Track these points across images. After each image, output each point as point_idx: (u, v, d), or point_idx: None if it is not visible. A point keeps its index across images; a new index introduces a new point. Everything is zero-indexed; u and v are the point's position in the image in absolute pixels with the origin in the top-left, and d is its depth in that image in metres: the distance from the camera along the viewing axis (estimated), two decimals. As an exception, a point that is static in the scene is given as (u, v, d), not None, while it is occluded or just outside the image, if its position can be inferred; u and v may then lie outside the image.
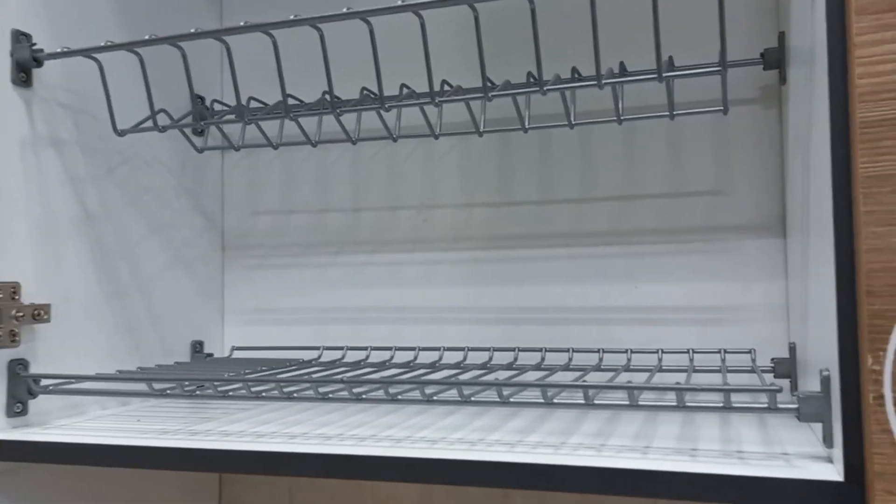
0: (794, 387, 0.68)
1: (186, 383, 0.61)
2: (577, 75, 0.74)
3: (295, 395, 0.58)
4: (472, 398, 0.56)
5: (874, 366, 0.41)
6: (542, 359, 0.78)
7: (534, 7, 0.58)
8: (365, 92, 0.76)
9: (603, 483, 0.48)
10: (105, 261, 0.75)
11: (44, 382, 0.65)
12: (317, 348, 0.84)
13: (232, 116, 0.77)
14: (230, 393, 0.60)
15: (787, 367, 0.69)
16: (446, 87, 0.77)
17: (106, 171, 0.76)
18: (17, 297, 0.64)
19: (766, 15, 0.76)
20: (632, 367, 0.73)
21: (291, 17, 0.61)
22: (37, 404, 0.66)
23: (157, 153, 0.83)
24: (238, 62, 0.73)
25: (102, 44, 0.66)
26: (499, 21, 0.83)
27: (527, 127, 0.73)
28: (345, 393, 0.58)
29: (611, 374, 0.67)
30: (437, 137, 0.76)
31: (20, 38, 0.66)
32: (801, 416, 0.47)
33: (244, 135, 0.81)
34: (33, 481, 0.67)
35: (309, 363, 0.78)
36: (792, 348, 0.69)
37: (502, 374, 0.73)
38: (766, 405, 0.49)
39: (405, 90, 0.74)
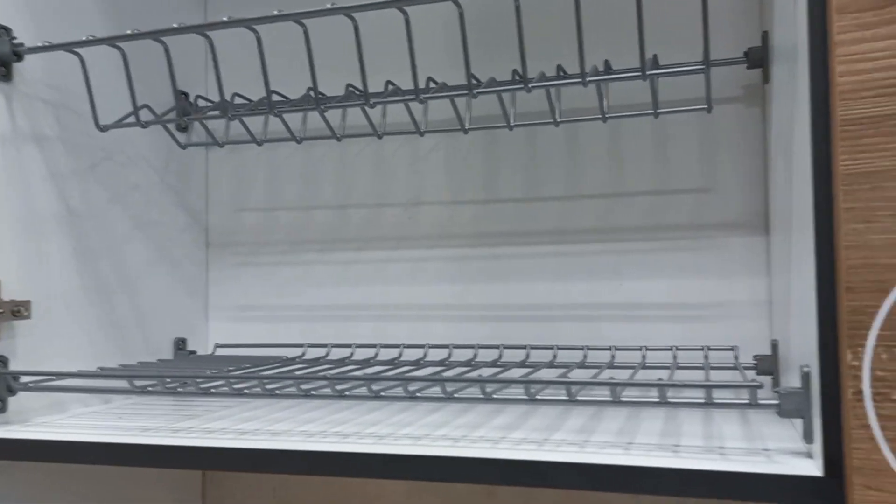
0: (776, 383, 0.68)
1: (168, 380, 0.61)
2: (562, 73, 0.74)
3: (277, 392, 0.58)
4: (456, 395, 0.56)
5: (853, 361, 0.42)
6: (527, 356, 0.78)
7: (518, 4, 0.58)
8: (350, 88, 0.76)
9: (586, 479, 0.48)
10: (87, 257, 0.74)
11: (24, 379, 0.64)
12: (301, 346, 0.84)
13: (215, 112, 0.76)
14: (212, 390, 0.59)
15: (769, 364, 0.69)
16: (432, 85, 0.77)
17: (88, 167, 0.75)
18: (-4, 294, 0.63)
19: (749, 14, 0.77)
20: (616, 364, 0.73)
21: (275, 12, 0.60)
22: (17, 401, 0.65)
23: (140, 150, 0.82)
24: (223, 58, 0.72)
25: (84, 38, 0.66)
26: (485, 19, 0.83)
27: (512, 124, 0.74)
28: (327, 390, 0.58)
29: (595, 371, 0.67)
30: (422, 134, 0.76)
31: (0, 31, 0.66)
32: (782, 412, 0.47)
33: (228, 131, 0.80)
34: (14, 479, 0.67)
35: (293, 361, 0.77)
36: (774, 345, 0.70)
37: (486, 372, 0.72)
38: (747, 401, 0.49)
39: (390, 87, 0.74)
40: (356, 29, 0.62)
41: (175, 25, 0.63)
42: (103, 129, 0.73)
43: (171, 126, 0.83)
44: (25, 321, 0.66)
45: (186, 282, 0.88)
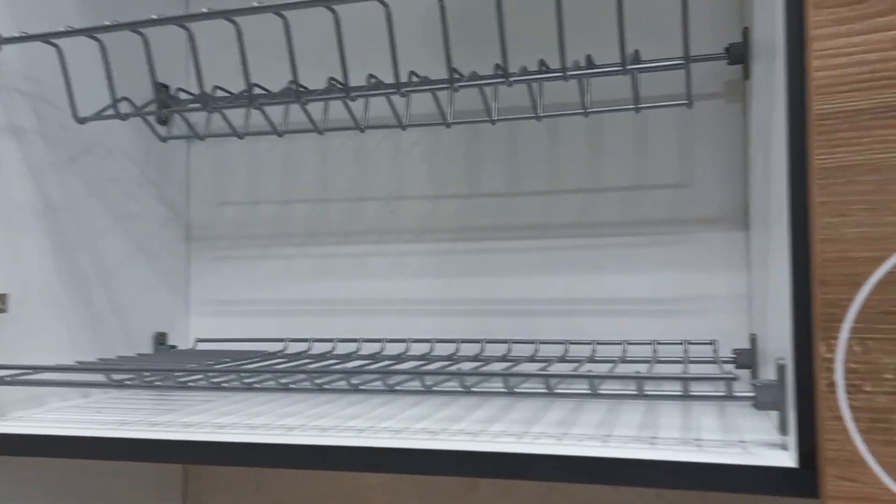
0: (754, 377, 0.68)
1: (146, 374, 0.60)
2: (544, 68, 0.74)
3: (256, 385, 0.58)
4: (435, 388, 0.56)
5: (827, 354, 0.42)
6: (509, 350, 0.78)
7: (499, -3, 0.58)
8: (332, 82, 0.75)
9: (563, 471, 0.48)
10: (66, 251, 0.74)
11: (0, 373, 0.64)
12: (282, 340, 0.84)
13: (195, 105, 0.76)
14: (190, 384, 0.59)
15: (748, 358, 0.70)
16: (414, 78, 0.77)
17: (67, 159, 0.75)
18: (-28, 287, 0.63)
19: (730, 10, 0.77)
20: (596, 359, 0.73)
21: (255, 3, 0.60)
22: (-7, 396, 0.65)
23: (120, 142, 0.81)
24: (204, 51, 0.72)
25: (62, 29, 0.65)
26: (468, 14, 0.83)
27: (494, 119, 0.74)
28: (307, 383, 0.57)
29: (575, 365, 0.67)
30: (404, 128, 0.75)
31: (-24, 21, 0.65)
32: (758, 405, 0.48)
33: (209, 124, 0.80)
34: (-11, 474, 0.66)
35: (273, 355, 0.77)
36: (753, 339, 0.70)
37: (468, 366, 0.73)
38: (723, 394, 0.49)
39: (372, 80, 0.73)
40: (337, 22, 0.62)
41: (154, 17, 0.63)
42: (81, 121, 0.72)
43: (151, 119, 0.82)
44: (2, 315, 0.65)
45: (167, 276, 0.88)
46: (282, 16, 0.62)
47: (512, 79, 0.63)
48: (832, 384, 0.42)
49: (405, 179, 0.85)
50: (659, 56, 0.73)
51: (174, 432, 0.57)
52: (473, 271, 0.83)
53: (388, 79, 0.74)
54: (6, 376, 0.64)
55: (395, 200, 0.85)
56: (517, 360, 0.74)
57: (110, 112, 0.71)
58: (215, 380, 0.59)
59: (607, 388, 0.57)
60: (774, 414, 0.53)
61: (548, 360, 0.72)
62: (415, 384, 0.57)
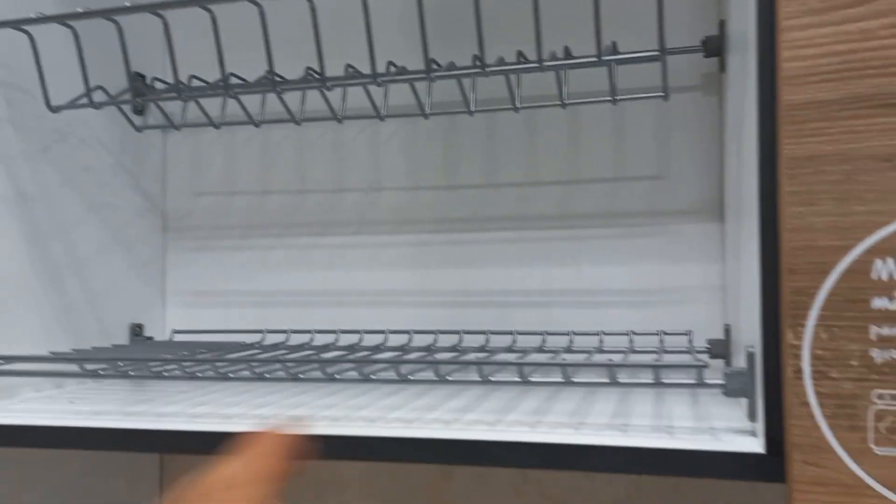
0: (728, 366, 0.69)
1: (120, 363, 0.60)
2: (522, 59, 0.74)
3: (230, 374, 0.58)
4: (411, 377, 0.56)
5: (794, 341, 0.43)
6: (487, 341, 0.78)
7: (475, -13, 0.58)
8: (309, 71, 0.75)
9: (536, 457, 0.48)
10: (39, 241, 0.73)
11: (-29, 364, 0.63)
12: (259, 332, 0.83)
13: (170, 94, 0.75)
14: (164, 373, 0.59)
15: (721, 348, 0.70)
16: (392, 69, 0.76)
17: (40, 149, 0.74)
18: (-58, 276, 0.62)
19: (708, 3, 0.77)
20: (573, 349, 0.74)
21: (230, -9, 0.60)
22: (-36, 386, 0.64)
23: (94, 132, 0.81)
24: (181, 41, 0.71)
25: (34, 16, 0.64)
26: (446, 5, 0.83)
27: (472, 110, 0.74)
28: (282, 373, 0.57)
29: (550, 355, 0.68)
30: (382, 119, 0.75)
31: (-54, 7, 0.64)
32: (728, 392, 0.48)
33: (185, 114, 0.79)
34: (-39, 466, 0.65)
35: (250, 346, 0.77)
36: (727, 329, 0.71)
37: (445, 357, 0.73)
38: (693, 381, 0.50)
39: (350, 70, 0.73)
40: (313, 10, 0.62)
41: (127, 4, 0.62)
42: (55, 109, 0.71)
43: (127, 109, 0.81)
44: (-27, 304, 0.65)
45: (142, 266, 0.87)
46: (257, 4, 0.61)
47: (489, 69, 0.63)
48: (799, 371, 0.42)
49: (383, 171, 0.85)
50: (638, 48, 0.73)
51: (149, 422, 0.57)
52: (451, 262, 0.83)
53: (367, 70, 0.74)
54: (-23, 366, 0.63)
55: (374, 192, 0.85)
56: (494, 351, 0.74)
57: (84, 101, 0.70)
58: (190, 369, 0.59)
59: (583, 377, 0.58)
60: (745, 402, 0.53)
61: (524, 351, 0.72)
62: (390, 373, 0.57)
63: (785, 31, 0.44)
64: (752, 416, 0.47)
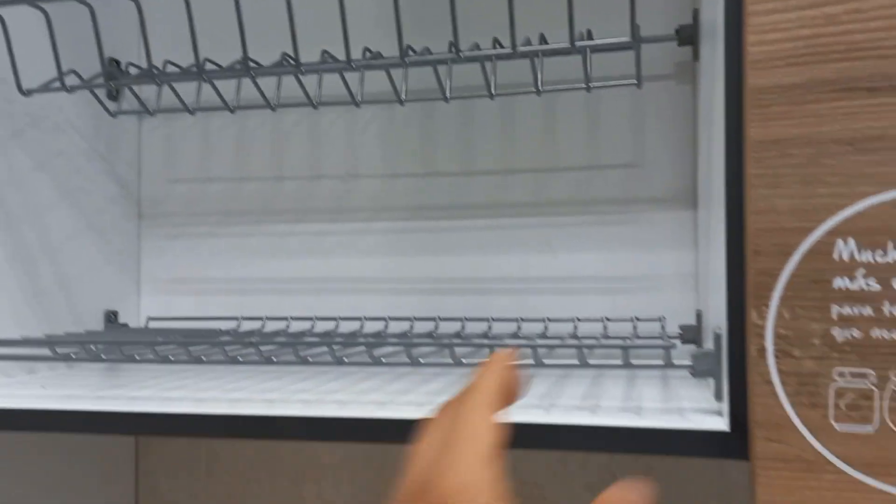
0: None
1: (92, 347, 0.60)
2: (498, 46, 0.74)
3: (203, 357, 0.58)
4: (383, 360, 0.56)
5: (758, 320, 0.43)
6: (463, 327, 0.79)
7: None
8: (284, 57, 0.75)
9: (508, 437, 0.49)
10: (11, 227, 0.72)
11: (-60, 348, 0.62)
12: (235, 319, 0.83)
13: (143, 78, 0.75)
14: (136, 355, 0.59)
15: (693, 333, 0.71)
16: (367, 55, 0.76)
17: (11, 133, 0.73)
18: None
19: (683, -7, 0.78)
20: (547, 335, 0.74)
21: (203, -26, 0.59)
22: (-67, 371, 0.64)
23: (68, 117, 0.80)
24: (158, 26, 0.70)
25: (4, -3, 0.64)
26: (423, -9, 0.83)
27: (448, 97, 0.74)
28: (255, 356, 0.57)
29: (525, 341, 0.68)
30: (358, 105, 0.75)
31: (-86, -13, 0.63)
32: (695, 373, 0.49)
33: (160, 99, 0.79)
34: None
35: (226, 333, 0.77)
36: (698, 315, 0.72)
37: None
38: (662, 363, 0.51)
39: (326, 57, 0.73)
40: (287, -6, 0.62)
41: (100, -15, 0.62)
42: (27, 93, 0.71)
43: (101, 94, 0.81)
44: (-57, 289, 0.64)
45: (117, 253, 0.86)
46: (231, -13, 0.61)
47: (463, 54, 0.63)
48: (763, 350, 0.43)
49: (360, 158, 0.85)
50: (614, 37, 0.74)
51: (121, 404, 0.56)
52: (428, 250, 0.84)
53: (343, 56, 0.74)
54: (-53, 351, 0.63)
55: (350, 179, 0.85)
56: (469, 338, 0.74)
57: (56, 84, 0.70)
58: (163, 352, 0.59)
59: (556, 359, 0.58)
60: (712, 382, 0.54)
61: (499, 337, 0.72)
62: (363, 357, 0.57)
63: (751, 16, 0.45)
64: (718, 395, 0.48)
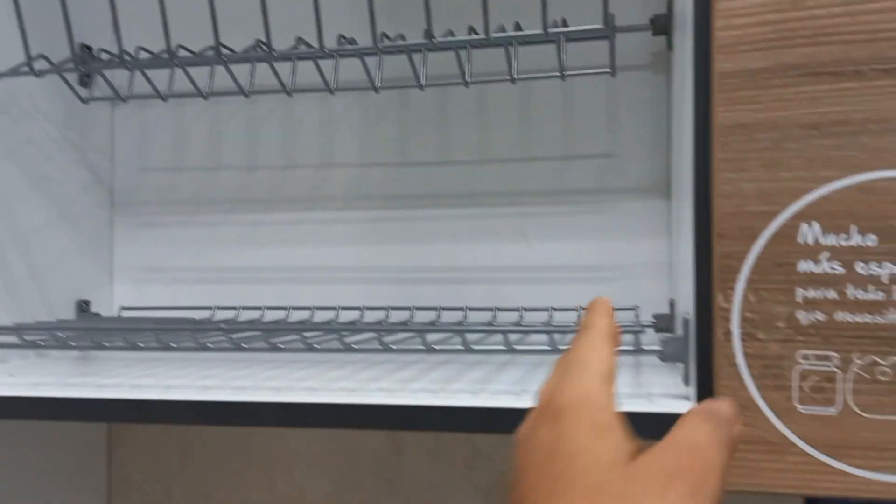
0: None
1: (60, 334, 0.59)
2: (473, 34, 0.74)
3: (172, 343, 0.57)
4: (353, 346, 0.56)
5: (724, 304, 0.44)
6: (438, 317, 0.79)
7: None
8: (258, 43, 0.74)
9: (482, 421, 0.49)
10: (-21, 213, 0.71)
11: None
12: (209, 308, 0.83)
13: (114, 62, 0.74)
14: (105, 343, 0.58)
15: (666, 322, 0.72)
16: (343, 42, 0.76)
17: (-20, 119, 0.72)
18: None
19: (658, -18, 0.78)
20: (522, 324, 0.74)
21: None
22: None
23: (38, 104, 0.79)
24: (130, 13, 0.70)
25: (-30, -21, 0.63)
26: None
27: (423, 84, 0.73)
28: (225, 343, 0.57)
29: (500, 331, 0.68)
30: (332, 92, 0.75)
31: None
32: (664, 357, 0.50)
33: (132, 85, 0.78)
34: None
35: (199, 322, 0.76)
36: (672, 303, 0.72)
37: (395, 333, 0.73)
38: (632, 348, 0.51)
39: (300, 43, 0.73)
40: (259, -22, 0.61)
41: (68, -32, 0.61)
42: (-6, 78, 0.70)
43: (72, 80, 0.80)
44: None
45: (89, 242, 0.85)
46: (202, -29, 0.60)
47: (436, 41, 0.63)
48: (728, 333, 0.43)
49: (334, 147, 0.85)
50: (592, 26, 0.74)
51: (90, 391, 0.56)
52: (403, 239, 0.83)
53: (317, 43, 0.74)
54: (-89, 338, 0.62)
55: (325, 168, 0.85)
56: (443, 327, 0.74)
57: (25, 69, 0.69)
58: (132, 339, 0.58)
59: (530, 347, 0.59)
60: (682, 368, 0.55)
61: (473, 326, 0.72)
62: (334, 343, 0.57)
63: (720, 1, 0.45)
64: (686, 380, 0.48)
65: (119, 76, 0.84)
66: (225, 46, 0.69)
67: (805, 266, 0.43)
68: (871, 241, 0.42)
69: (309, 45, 0.72)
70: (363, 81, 0.78)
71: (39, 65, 0.70)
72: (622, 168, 0.79)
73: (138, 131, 0.89)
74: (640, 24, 0.73)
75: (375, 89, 0.73)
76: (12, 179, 0.75)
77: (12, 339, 0.61)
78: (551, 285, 0.80)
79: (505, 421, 0.48)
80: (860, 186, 0.42)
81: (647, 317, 0.76)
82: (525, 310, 0.78)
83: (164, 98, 0.76)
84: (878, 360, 0.41)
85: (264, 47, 0.70)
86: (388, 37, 0.72)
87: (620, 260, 0.79)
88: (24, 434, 0.77)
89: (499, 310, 0.78)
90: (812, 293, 0.42)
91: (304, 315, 0.80)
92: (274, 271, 0.85)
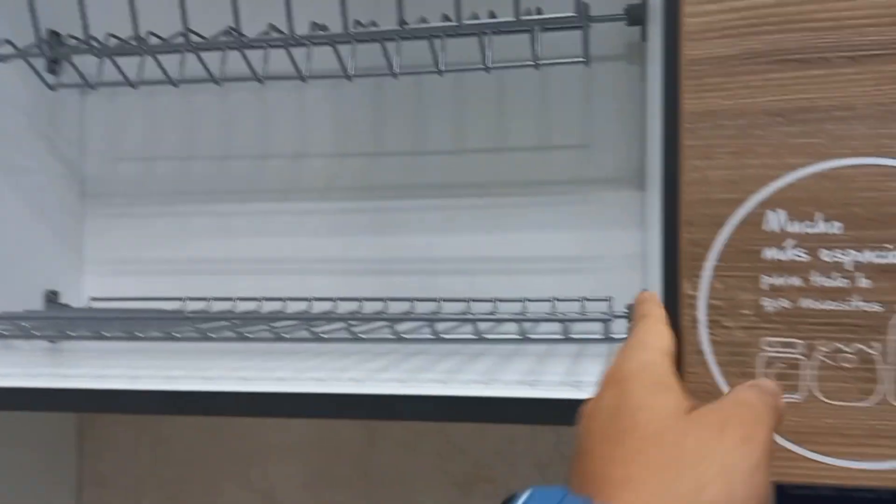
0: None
1: (24, 323, 0.58)
2: (447, 22, 0.74)
3: (138, 334, 0.56)
4: (324, 336, 0.55)
5: (691, 291, 0.44)
6: (412, 308, 0.78)
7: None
8: (229, 30, 0.73)
9: (454, 410, 0.49)
10: (-57, 202, 0.70)
11: None
12: (180, 300, 0.82)
13: (82, 48, 0.72)
14: (69, 332, 0.57)
15: (639, 312, 0.72)
16: (316, 28, 0.75)
17: (-56, 106, 0.71)
18: None
19: (634, -27, 0.78)
20: (496, 314, 0.74)
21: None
22: None
23: (5, 92, 0.77)
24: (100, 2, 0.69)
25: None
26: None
27: (396, 72, 0.73)
28: (192, 332, 0.56)
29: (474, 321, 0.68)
30: (304, 80, 0.74)
31: None
32: (633, 346, 0.49)
33: (102, 73, 0.76)
34: None
35: (168, 312, 0.75)
36: (644, 294, 0.72)
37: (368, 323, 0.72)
38: (601, 336, 0.51)
39: (271, 30, 0.72)
40: (228, -37, 0.60)
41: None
42: (-42, 63, 0.68)
43: (40, 67, 0.78)
44: None
45: (58, 233, 0.84)
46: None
47: (408, 27, 0.63)
48: (695, 320, 0.43)
49: (309, 137, 0.84)
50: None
51: (56, 381, 0.55)
52: (377, 230, 0.83)
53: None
54: None
55: (299, 158, 0.84)
56: (415, 316, 0.74)
57: (-10, 55, 0.68)
58: (96, 328, 0.57)
59: (503, 336, 0.58)
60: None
61: (447, 317, 0.72)
62: (303, 333, 0.56)
63: (688, -12, 0.45)
64: (654, 368, 0.48)
65: (88, 63, 0.83)
66: (195, 33, 0.68)
67: (771, 253, 0.43)
68: (837, 228, 0.42)
69: (280, 32, 0.71)
70: (337, 70, 0.77)
71: (5, 49, 0.69)
72: (597, 159, 0.79)
73: (110, 120, 0.88)
74: (615, 14, 0.73)
75: (348, 77, 0.73)
76: (-22, 168, 0.74)
77: (-24, 329, 0.60)
78: (526, 276, 0.80)
79: (474, 410, 0.48)
80: (826, 174, 0.42)
81: (620, 307, 0.76)
82: (499, 300, 0.77)
83: (133, 85, 0.75)
84: (842, 347, 0.42)
85: (234, 34, 0.69)
86: (360, 23, 0.71)
87: (595, 251, 0.79)
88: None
89: (473, 300, 0.78)
90: (777, 280, 0.43)
91: (277, 306, 0.80)
92: (248, 262, 0.85)
